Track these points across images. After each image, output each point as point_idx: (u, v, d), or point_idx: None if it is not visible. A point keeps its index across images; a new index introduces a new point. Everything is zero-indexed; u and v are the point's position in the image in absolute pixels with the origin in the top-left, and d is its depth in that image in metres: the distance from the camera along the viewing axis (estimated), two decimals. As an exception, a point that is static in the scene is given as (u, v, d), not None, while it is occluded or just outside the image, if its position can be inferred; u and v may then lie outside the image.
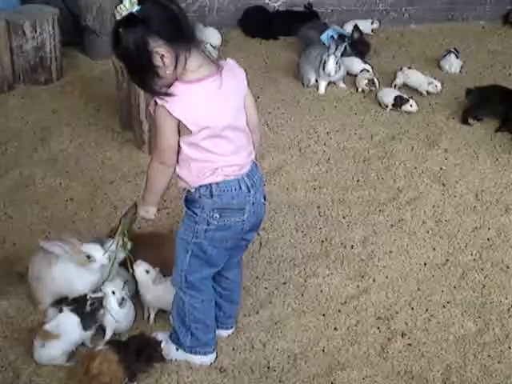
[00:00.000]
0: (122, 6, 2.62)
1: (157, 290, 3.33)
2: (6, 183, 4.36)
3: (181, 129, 2.75)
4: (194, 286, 3.06)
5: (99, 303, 3.26)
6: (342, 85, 5.67)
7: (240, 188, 2.87)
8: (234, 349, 3.31)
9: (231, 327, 3.39)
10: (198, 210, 2.87)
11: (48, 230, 3.96)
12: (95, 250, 3.30)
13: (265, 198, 3.02)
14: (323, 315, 3.52)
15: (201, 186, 2.84)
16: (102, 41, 5.82)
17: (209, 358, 3.22)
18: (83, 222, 4.05)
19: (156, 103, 2.71)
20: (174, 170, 2.88)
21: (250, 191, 2.89)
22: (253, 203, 2.91)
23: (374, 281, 3.74)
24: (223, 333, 3.35)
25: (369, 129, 5.13)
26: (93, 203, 4.20)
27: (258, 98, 5.25)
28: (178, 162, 2.85)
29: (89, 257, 3.28)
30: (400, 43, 6.54)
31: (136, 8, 2.60)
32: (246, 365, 3.24)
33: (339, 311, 3.55)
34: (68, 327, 3.18)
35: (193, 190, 2.87)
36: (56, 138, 4.84)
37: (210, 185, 2.83)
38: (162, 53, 2.64)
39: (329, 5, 6.72)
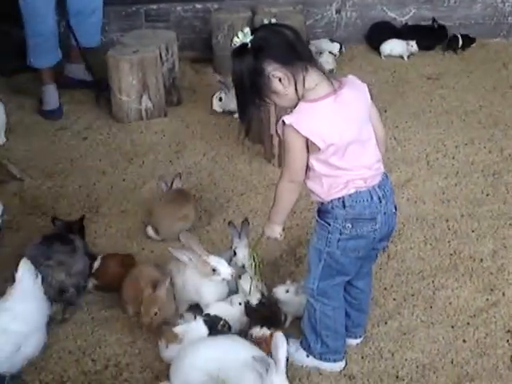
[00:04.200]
0: (236, 38, 2.76)
1: (295, 300, 3.43)
2: (144, 194, 4.58)
3: (309, 146, 2.81)
4: (325, 294, 3.12)
5: (228, 328, 3.35)
6: None
7: (372, 198, 2.92)
8: (363, 357, 3.36)
9: (360, 336, 3.43)
10: (331, 221, 2.94)
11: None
12: (221, 265, 3.43)
13: (396, 208, 3.06)
14: (452, 327, 3.52)
15: (333, 199, 2.93)
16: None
17: (338, 365, 3.28)
18: (216, 232, 4.20)
19: (284, 123, 2.78)
20: (305, 184, 2.97)
21: (381, 201, 2.94)
22: (384, 213, 2.96)
23: (503, 294, 3.72)
24: (352, 341, 3.40)
25: (498, 142, 5.08)
26: (225, 214, 4.35)
27: (385, 111, 5.32)
28: (308, 177, 2.93)
29: (214, 270, 3.42)
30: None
31: (249, 38, 2.73)
32: (374, 373, 3.28)
33: (468, 324, 3.54)
34: (194, 336, 3.24)
35: (326, 202, 2.96)
36: (190, 151, 5.03)
37: (343, 197, 2.90)
38: (278, 76, 2.75)
39: (456, 19, 6.69)
